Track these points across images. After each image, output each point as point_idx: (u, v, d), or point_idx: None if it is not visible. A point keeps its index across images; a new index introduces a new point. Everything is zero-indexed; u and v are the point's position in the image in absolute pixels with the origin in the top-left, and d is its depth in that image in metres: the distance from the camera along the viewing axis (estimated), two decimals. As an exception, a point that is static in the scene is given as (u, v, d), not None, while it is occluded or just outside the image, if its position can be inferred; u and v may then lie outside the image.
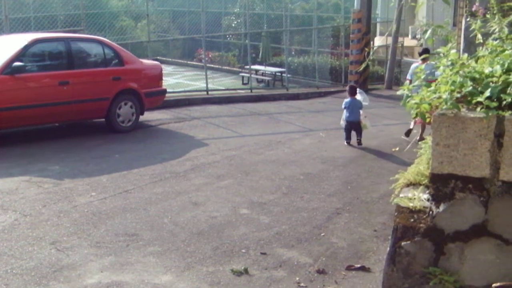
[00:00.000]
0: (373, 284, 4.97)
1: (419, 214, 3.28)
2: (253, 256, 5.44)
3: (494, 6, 4.22)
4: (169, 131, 11.60)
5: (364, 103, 11.08)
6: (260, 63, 24.47)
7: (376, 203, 7.23)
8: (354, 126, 10.90)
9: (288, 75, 21.06)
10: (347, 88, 11.59)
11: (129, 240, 5.70)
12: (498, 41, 3.87)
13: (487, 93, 3.00)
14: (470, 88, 3.11)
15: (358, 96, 11.08)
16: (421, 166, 3.61)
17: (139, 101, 11.55)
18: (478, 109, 3.03)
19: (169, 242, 5.68)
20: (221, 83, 21.28)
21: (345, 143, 10.89)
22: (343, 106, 11.13)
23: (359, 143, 10.83)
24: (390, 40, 22.06)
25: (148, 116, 12.53)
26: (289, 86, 20.36)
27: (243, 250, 5.55)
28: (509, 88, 3.02)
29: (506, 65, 3.18)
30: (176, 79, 21.44)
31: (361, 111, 10.94)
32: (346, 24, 22.96)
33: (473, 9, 4.43)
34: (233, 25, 28.79)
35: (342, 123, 11.12)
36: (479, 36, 4.14)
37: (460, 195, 3.10)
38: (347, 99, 11.08)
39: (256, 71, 22.23)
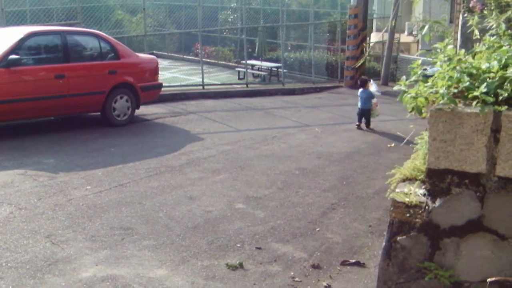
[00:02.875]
0: (368, 279, 4.98)
1: (415, 209, 3.27)
2: (248, 250, 5.44)
3: (492, 2, 4.22)
4: (165, 125, 11.58)
5: (375, 93, 12.54)
6: (256, 58, 24.43)
7: (371, 199, 7.24)
8: (363, 113, 12.39)
9: (284, 70, 21.06)
10: (358, 80, 13.53)
11: (124, 234, 5.69)
12: (495, 37, 3.87)
13: (484, 88, 3.00)
14: (467, 83, 3.11)
15: (372, 87, 12.72)
16: (417, 161, 3.61)
17: (135, 95, 11.53)
18: (475, 104, 3.03)
19: (164, 236, 5.68)
20: (217, 77, 21.25)
21: (355, 126, 12.38)
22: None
23: (367, 125, 12.37)
24: (386, 36, 22.08)
25: (144, 110, 12.51)
26: (285, 81, 20.35)
27: (238, 245, 5.55)
28: (505, 84, 3.02)
29: (503, 61, 3.18)
30: (172, 74, 21.42)
31: (373, 100, 12.46)
32: (343, 19, 22.95)
33: (471, 5, 4.43)
34: (230, 19, 28.76)
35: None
36: (476, 32, 4.15)
37: (456, 190, 3.10)
38: (359, 90, 12.65)
39: (252, 66, 22.22)
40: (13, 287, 4.51)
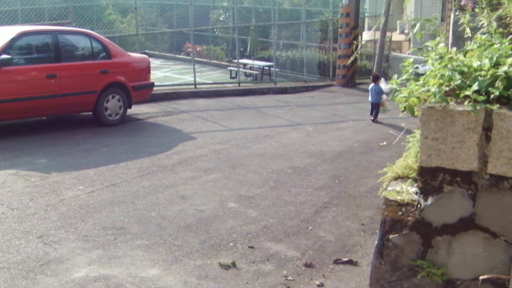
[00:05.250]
0: (360, 278, 4.99)
1: (407, 207, 3.27)
2: (241, 249, 5.44)
3: (483, 0, 4.23)
4: (157, 125, 11.56)
5: (384, 89, 13.17)
6: (248, 57, 24.41)
7: (363, 197, 7.25)
8: (373, 106, 13.32)
9: (276, 69, 21.06)
10: (371, 76, 14.78)
11: (117, 233, 5.68)
12: (486, 35, 3.88)
13: (475, 86, 3.00)
14: (459, 81, 3.11)
15: (382, 85, 13.45)
16: (409, 160, 3.61)
17: (126, 94, 11.50)
18: (466, 102, 3.03)
19: (156, 235, 5.67)
20: (209, 77, 21.23)
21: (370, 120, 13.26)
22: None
23: (374, 118, 13.20)
24: (378, 34, 22.11)
25: (136, 110, 12.48)
26: (277, 80, 20.35)
27: (231, 244, 5.55)
28: (497, 82, 3.02)
29: (494, 59, 3.18)
30: (164, 73, 21.37)
31: (384, 96, 13.16)
32: (335, 18, 22.95)
33: (462, 3, 4.44)
34: (221, 18, 28.71)
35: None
36: (468, 30, 4.15)
37: (448, 188, 3.10)
38: (371, 85, 13.59)
39: (244, 65, 22.20)
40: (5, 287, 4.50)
